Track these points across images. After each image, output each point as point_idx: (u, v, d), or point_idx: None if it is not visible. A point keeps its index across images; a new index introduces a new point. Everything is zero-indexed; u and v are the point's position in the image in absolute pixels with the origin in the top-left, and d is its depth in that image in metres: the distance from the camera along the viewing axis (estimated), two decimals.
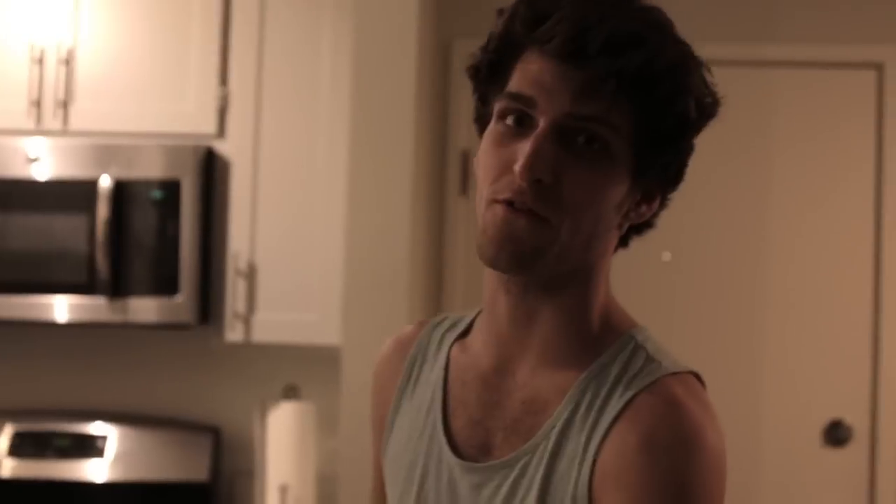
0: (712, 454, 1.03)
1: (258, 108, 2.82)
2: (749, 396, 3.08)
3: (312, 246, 2.80)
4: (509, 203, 1.04)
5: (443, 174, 3.07)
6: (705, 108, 1.08)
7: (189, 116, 2.83)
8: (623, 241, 1.14)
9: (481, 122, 1.13)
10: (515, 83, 1.07)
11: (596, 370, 1.09)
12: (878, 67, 3.14)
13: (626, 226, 1.12)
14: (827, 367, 3.08)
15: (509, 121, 1.07)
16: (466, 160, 3.04)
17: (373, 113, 2.65)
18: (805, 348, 3.09)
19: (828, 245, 3.11)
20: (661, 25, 1.07)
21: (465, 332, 1.22)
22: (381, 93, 2.64)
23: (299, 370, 2.98)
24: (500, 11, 1.10)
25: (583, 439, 1.06)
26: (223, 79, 2.83)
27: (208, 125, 2.82)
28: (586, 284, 1.12)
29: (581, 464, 1.05)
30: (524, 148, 1.03)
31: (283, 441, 2.84)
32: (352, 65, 2.67)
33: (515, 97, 1.06)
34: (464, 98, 2.99)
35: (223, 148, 2.83)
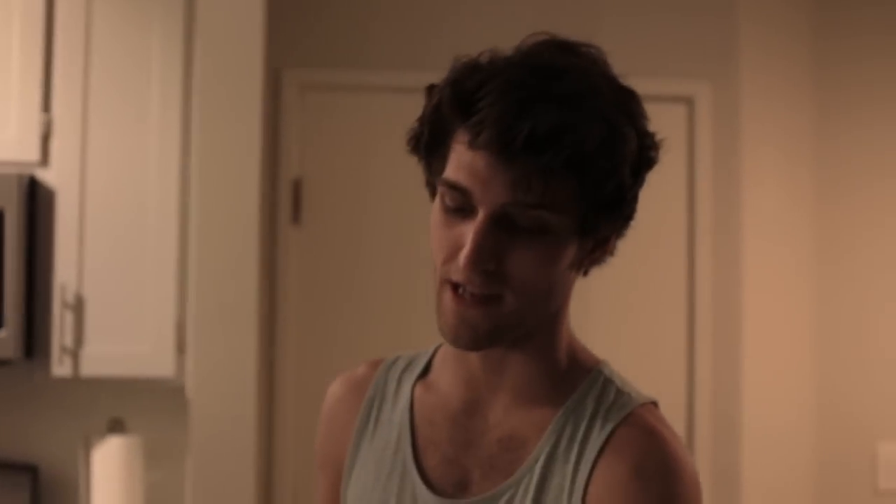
0: (694, 477, 1.11)
1: (84, 134, 2.74)
2: None
3: (143, 276, 2.73)
4: (460, 288, 1.09)
5: (274, 203, 3.05)
6: (643, 163, 1.12)
7: (11, 144, 2.72)
8: (583, 273, 1.19)
9: (430, 187, 1.16)
10: (452, 170, 1.09)
11: (572, 406, 1.15)
12: (689, 101, 3.31)
13: (584, 269, 1.17)
14: (644, 374, 3.19)
15: (451, 204, 1.09)
16: (298, 189, 3.04)
17: (218, 141, 2.64)
18: (625, 357, 3.19)
19: (644, 268, 3.24)
20: (588, 95, 1.07)
21: (424, 372, 1.25)
22: (226, 119, 2.63)
23: (124, 403, 2.90)
24: (430, 88, 1.13)
25: (569, 471, 1.11)
26: (46, 105, 2.74)
27: (31, 153, 2.72)
28: (550, 331, 1.17)
29: (570, 494, 1.10)
30: (468, 235, 1.06)
31: (108, 477, 2.76)
32: (194, 90, 2.65)
33: (452, 186, 1.08)
34: (294, 126, 2.99)
35: (47, 176, 2.74)
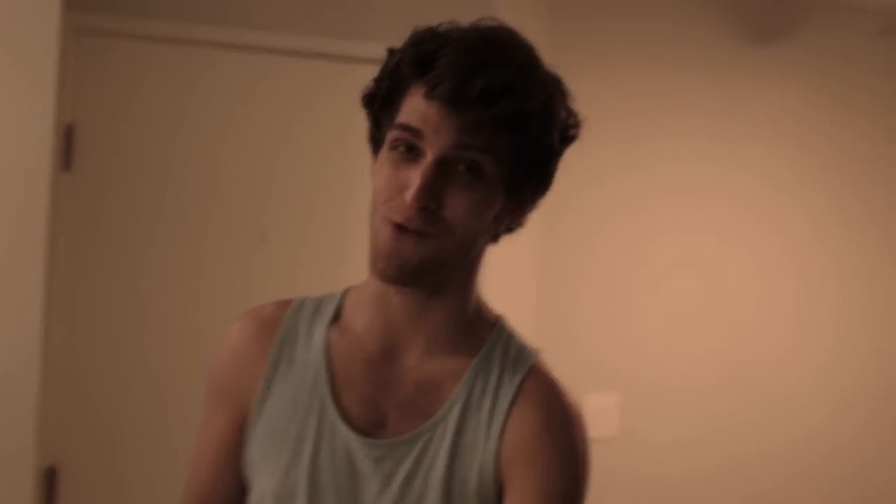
0: (584, 424, 1.30)
1: None
2: None
3: None
4: (399, 226, 1.21)
5: (47, 149, 3.00)
6: (569, 135, 1.28)
7: None
8: (494, 238, 1.32)
9: (375, 142, 1.31)
10: (406, 115, 1.22)
11: (483, 357, 1.30)
12: None
13: (501, 229, 1.31)
14: None
15: (401, 148, 1.22)
16: (70, 135, 3.01)
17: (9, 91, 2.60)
18: None
19: None
20: (531, 67, 1.24)
21: (335, 317, 1.34)
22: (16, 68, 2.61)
23: None
24: (390, 51, 1.27)
25: (483, 418, 1.26)
26: None
27: None
28: (466, 283, 1.31)
29: (486, 440, 1.25)
30: (414, 177, 1.19)
31: None
32: None
33: (405, 128, 1.21)
34: (69, 71, 2.95)
35: None
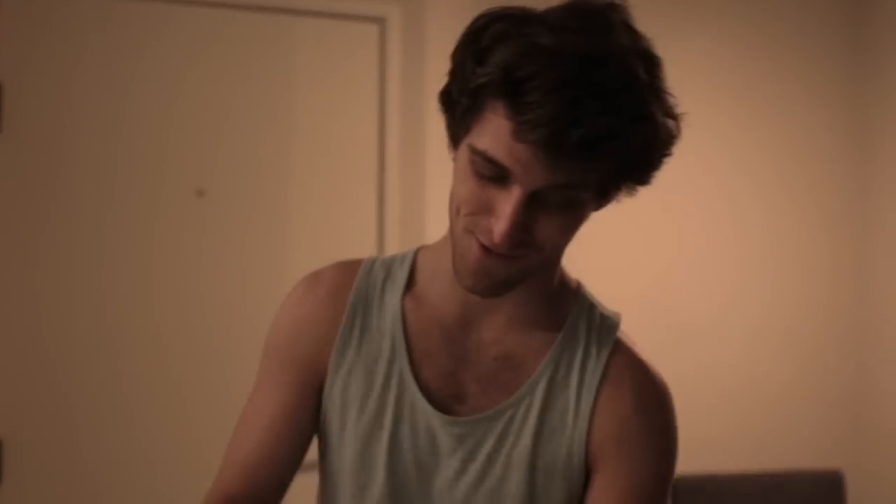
0: (672, 400, 1.27)
1: None
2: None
3: None
4: (485, 246, 1.12)
5: None
6: (670, 144, 1.15)
7: None
8: None
9: (453, 134, 1.17)
10: (491, 144, 1.08)
11: (568, 332, 1.25)
12: (381, 22, 3.49)
13: None
14: None
15: (485, 172, 1.10)
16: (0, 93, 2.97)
17: None
18: (322, 261, 3.36)
19: (338, 179, 3.43)
20: (630, 85, 1.07)
21: (409, 283, 1.27)
22: None
23: None
24: (471, 40, 1.11)
25: (571, 396, 1.22)
26: None
27: None
28: (554, 265, 1.26)
29: (575, 419, 1.22)
30: (502, 203, 1.09)
31: None
32: None
33: (489, 160, 1.09)
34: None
35: None
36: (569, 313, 1.27)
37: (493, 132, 1.08)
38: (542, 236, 1.13)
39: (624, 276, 3.79)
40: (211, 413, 3.15)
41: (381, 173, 3.49)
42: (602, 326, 1.27)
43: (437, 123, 1.23)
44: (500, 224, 1.09)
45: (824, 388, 4.11)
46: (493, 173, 1.10)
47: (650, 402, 1.24)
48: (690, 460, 3.79)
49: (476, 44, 1.10)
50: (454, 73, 1.14)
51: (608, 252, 3.73)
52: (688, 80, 3.84)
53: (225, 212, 3.28)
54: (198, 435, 3.16)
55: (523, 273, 1.17)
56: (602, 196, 1.17)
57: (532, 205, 1.10)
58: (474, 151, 1.10)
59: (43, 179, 3.09)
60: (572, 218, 1.15)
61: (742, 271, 4.01)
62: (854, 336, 4.13)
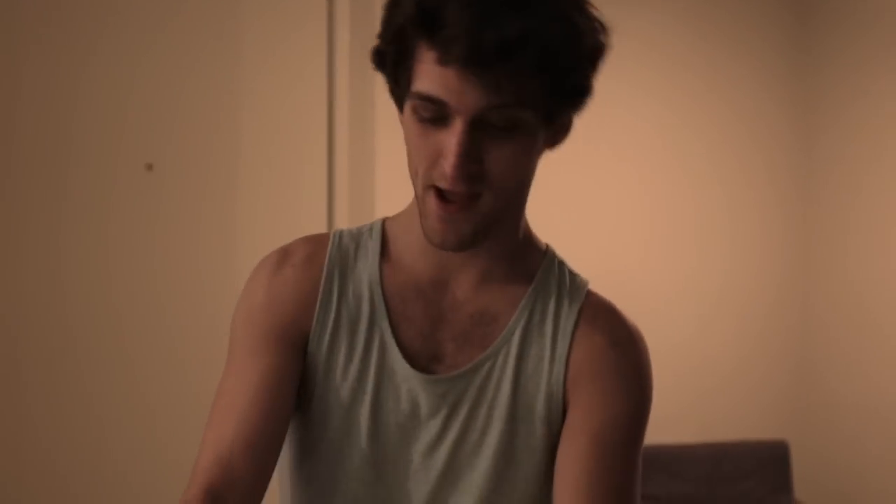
0: (646, 344, 1.29)
1: None
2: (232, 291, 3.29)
3: None
4: (444, 194, 1.13)
5: None
6: (598, 51, 1.16)
7: None
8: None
9: (396, 97, 1.19)
10: (424, 84, 1.11)
11: (538, 285, 1.27)
12: None
13: (546, 149, 1.22)
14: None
15: (426, 117, 1.12)
16: None
17: None
18: (272, 232, 3.35)
19: (287, 152, 3.41)
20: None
21: (382, 251, 1.28)
22: None
23: None
24: (391, 4, 1.14)
25: (546, 343, 1.23)
26: None
27: None
28: (517, 218, 1.27)
29: (552, 363, 1.22)
30: (448, 141, 1.11)
31: None
32: None
33: (426, 98, 1.11)
34: None
35: None
36: (538, 268, 1.28)
37: (424, 71, 1.11)
38: (496, 168, 1.13)
39: (580, 256, 3.79)
40: (163, 386, 3.14)
41: (331, 146, 3.46)
42: (572, 282, 1.29)
43: (386, 97, 1.23)
44: (449, 158, 1.11)
45: (773, 368, 4.17)
46: (434, 114, 1.11)
47: (625, 340, 1.25)
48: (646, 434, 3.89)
49: None
50: (380, 35, 1.17)
51: (563, 232, 3.72)
52: (647, 55, 3.92)
53: (174, 185, 3.24)
54: (151, 407, 3.15)
55: (486, 219, 1.17)
56: (547, 118, 1.16)
57: (478, 134, 1.11)
58: (413, 98, 1.13)
59: None
60: (522, 145, 1.15)
61: (698, 254, 4.05)
62: (802, 316, 4.19)
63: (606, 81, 3.98)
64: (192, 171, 3.27)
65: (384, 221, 1.32)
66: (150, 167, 3.20)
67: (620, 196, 3.94)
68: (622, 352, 1.24)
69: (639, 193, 3.97)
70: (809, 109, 4.16)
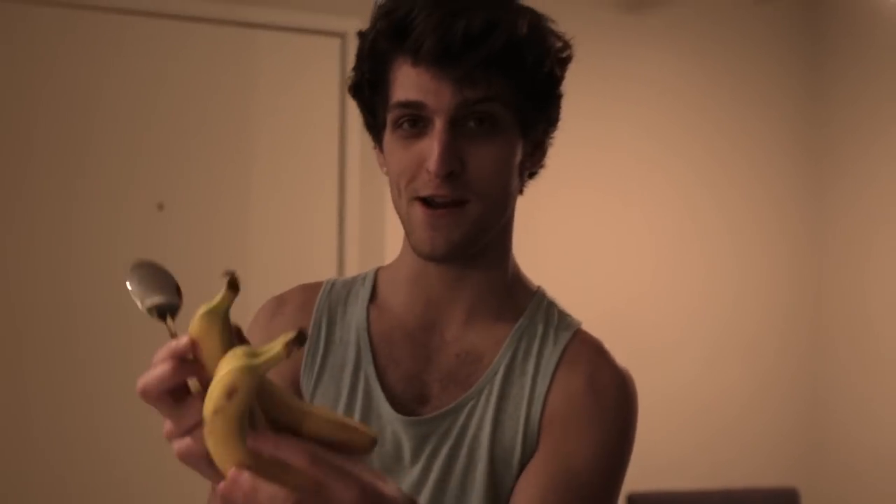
0: (635, 390, 1.22)
1: None
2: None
3: None
4: (428, 200, 1.15)
5: None
6: (563, 57, 1.21)
7: None
8: (519, 190, 1.26)
9: (373, 130, 1.23)
10: (400, 92, 1.15)
11: (525, 323, 1.25)
12: (342, 36, 3.50)
13: (525, 177, 1.25)
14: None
15: (405, 126, 1.16)
16: None
17: None
18: (282, 275, 3.37)
19: (298, 192, 3.43)
20: (506, 2, 1.17)
21: (372, 297, 1.29)
22: None
23: None
24: (360, 34, 1.20)
25: (527, 382, 1.20)
26: None
27: None
28: (501, 248, 1.26)
29: (530, 404, 1.19)
30: (430, 147, 1.14)
31: None
32: None
33: (405, 105, 1.15)
34: None
35: None
36: (526, 307, 1.27)
37: (400, 81, 1.15)
38: (478, 170, 1.15)
39: (587, 298, 3.80)
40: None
41: (342, 187, 3.48)
42: (562, 321, 1.27)
43: None
44: (432, 157, 1.13)
45: (782, 411, 4.15)
46: (413, 117, 1.15)
47: (605, 385, 1.20)
48: (652, 478, 3.87)
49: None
50: (355, 66, 1.21)
51: (570, 275, 3.75)
52: (657, 100, 3.94)
53: (185, 225, 3.26)
54: (152, 409, 3.14)
55: (474, 227, 1.17)
56: (522, 123, 1.19)
57: (458, 137, 1.14)
58: (393, 111, 1.16)
59: (6, 192, 3.06)
60: (501, 147, 1.17)
61: (703, 297, 4.05)
62: (810, 360, 4.18)
63: (616, 126, 4.06)
64: (203, 211, 3.28)
65: (377, 270, 1.33)
66: (161, 206, 3.21)
67: (628, 240, 3.94)
68: (598, 399, 1.19)
69: (646, 238, 3.97)
70: (821, 157, 4.17)
